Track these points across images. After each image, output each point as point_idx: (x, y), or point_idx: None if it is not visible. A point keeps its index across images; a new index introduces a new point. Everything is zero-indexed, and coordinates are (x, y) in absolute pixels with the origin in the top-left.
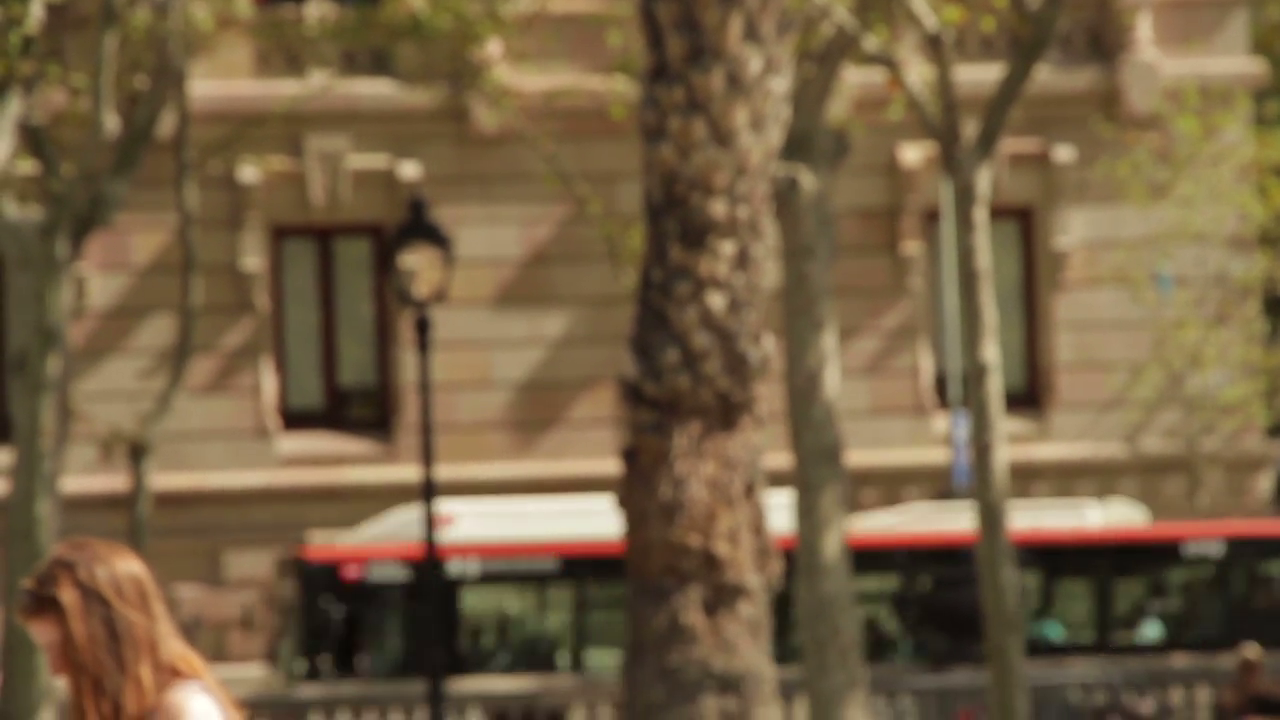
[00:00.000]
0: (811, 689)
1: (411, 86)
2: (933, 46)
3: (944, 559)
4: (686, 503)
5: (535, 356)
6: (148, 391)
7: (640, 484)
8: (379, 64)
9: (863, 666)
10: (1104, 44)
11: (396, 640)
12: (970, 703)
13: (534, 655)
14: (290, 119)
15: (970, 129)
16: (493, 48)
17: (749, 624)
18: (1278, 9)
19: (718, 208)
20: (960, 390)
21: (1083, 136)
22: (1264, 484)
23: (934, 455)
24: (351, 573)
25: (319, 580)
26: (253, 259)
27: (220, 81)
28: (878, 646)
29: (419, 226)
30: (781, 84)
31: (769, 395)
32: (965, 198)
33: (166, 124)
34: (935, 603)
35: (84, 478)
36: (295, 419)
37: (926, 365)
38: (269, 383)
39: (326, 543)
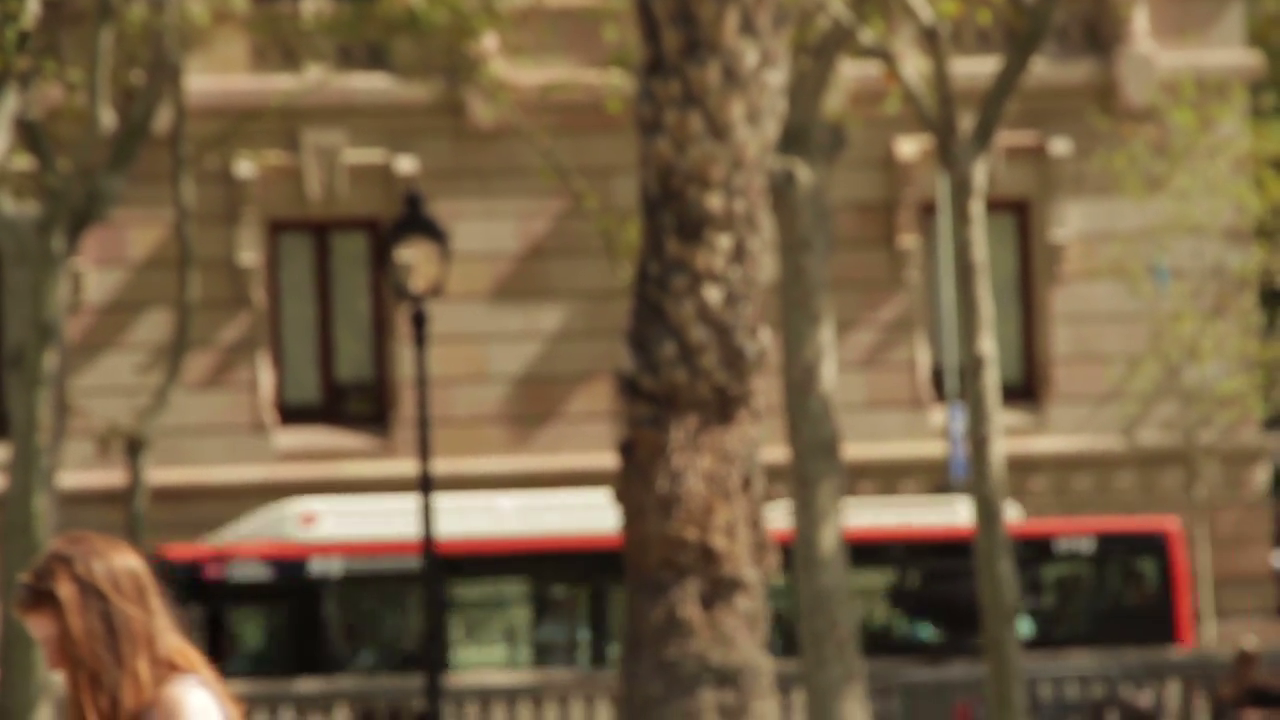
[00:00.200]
0: (809, 682)
1: (408, 81)
2: (929, 39)
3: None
4: (683, 496)
5: (532, 350)
6: (145, 386)
7: (637, 478)
8: (375, 58)
9: (860, 660)
10: (1100, 36)
11: (258, 640)
12: (967, 696)
13: (398, 654)
14: (286, 113)
15: (966, 122)
16: (489, 42)
17: (746, 617)
18: (1274, 1)
19: (714, 201)
20: (957, 383)
21: (1079, 129)
22: (1261, 476)
23: (931, 448)
24: (213, 572)
25: (180, 580)
26: (249, 254)
27: (216, 76)
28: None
29: (415, 221)
30: (777, 77)
31: (766, 389)
32: (962, 191)
33: (163, 119)
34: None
35: (81, 473)
36: (292, 414)
37: (923, 358)
38: (266, 377)
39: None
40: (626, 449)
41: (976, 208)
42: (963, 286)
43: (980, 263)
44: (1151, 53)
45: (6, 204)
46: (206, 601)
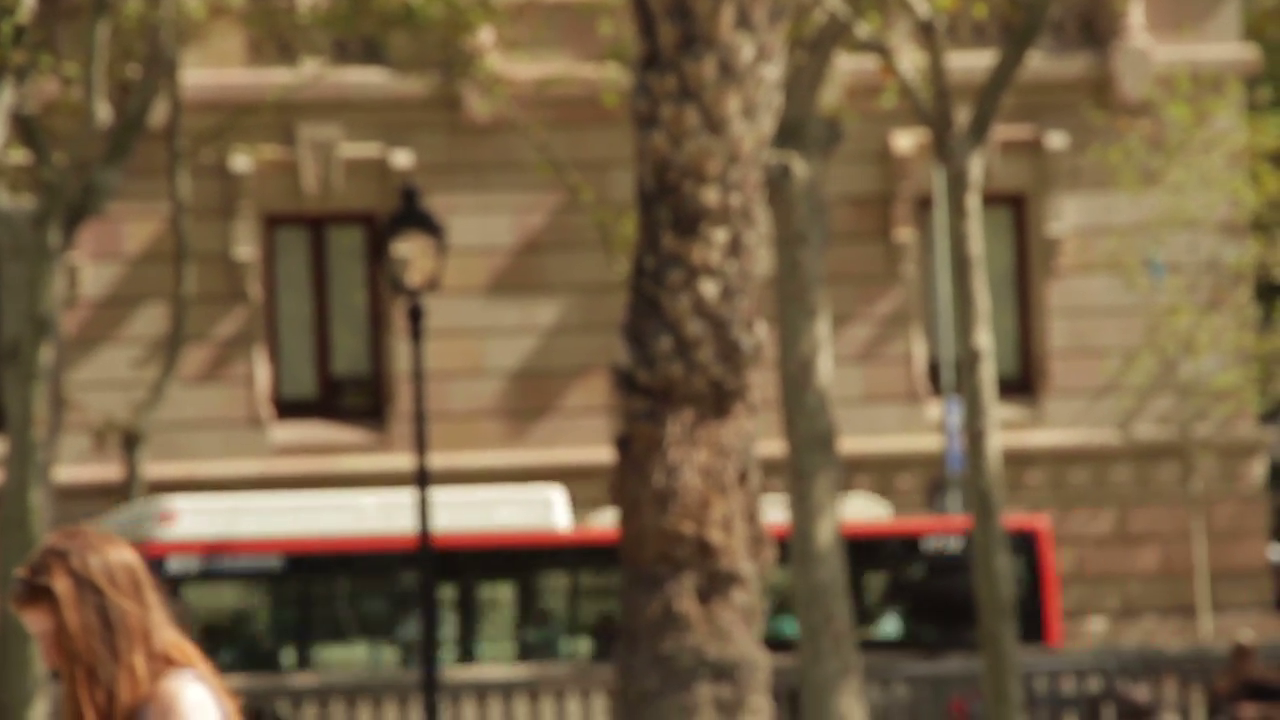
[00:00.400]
0: (805, 676)
1: (404, 75)
2: (925, 33)
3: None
4: (680, 490)
5: (528, 345)
6: (141, 381)
7: (633, 472)
8: (371, 52)
9: (856, 654)
10: (1096, 30)
11: None
12: (964, 690)
13: (256, 654)
14: (282, 107)
15: (962, 116)
16: (485, 36)
17: (742, 611)
18: None
19: (710, 195)
20: (953, 377)
21: (1075, 123)
22: (1257, 469)
23: (927, 442)
24: None
25: None
26: (245, 248)
27: (212, 70)
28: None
29: (411, 215)
30: (774, 71)
31: (762, 382)
32: (958, 184)
33: (159, 113)
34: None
35: (77, 467)
36: (288, 408)
37: (919, 352)
38: (262, 372)
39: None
40: (623, 443)
41: (972, 201)
42: (959, 280)
43: (976, 256)
44: (1147, 47)
45: (2, 198)
46: None
